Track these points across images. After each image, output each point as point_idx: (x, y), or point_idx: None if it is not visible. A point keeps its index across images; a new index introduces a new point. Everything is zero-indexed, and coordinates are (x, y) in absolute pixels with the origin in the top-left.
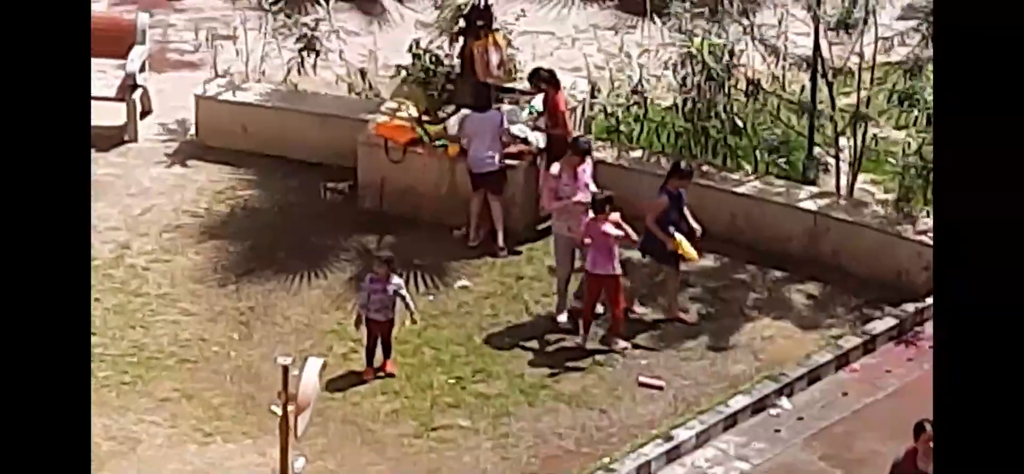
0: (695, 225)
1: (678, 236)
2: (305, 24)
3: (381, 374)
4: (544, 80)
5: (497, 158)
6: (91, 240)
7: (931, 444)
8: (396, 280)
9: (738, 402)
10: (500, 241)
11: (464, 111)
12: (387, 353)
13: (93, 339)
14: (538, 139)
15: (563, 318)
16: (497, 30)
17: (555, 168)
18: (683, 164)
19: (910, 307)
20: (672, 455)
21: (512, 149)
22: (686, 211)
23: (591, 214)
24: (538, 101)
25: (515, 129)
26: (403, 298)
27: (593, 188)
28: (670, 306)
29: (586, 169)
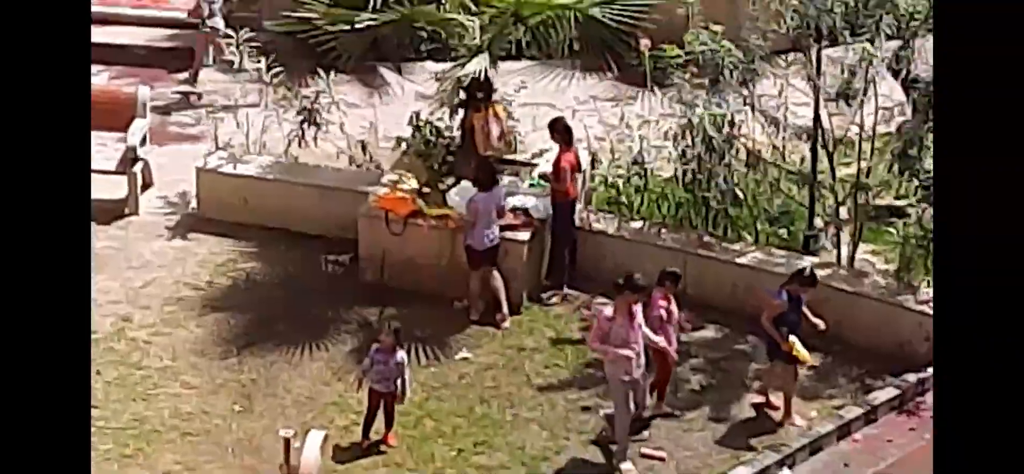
0: (818, 322)
1: (793, 339)
2: (305, 96)
3: (383, 446)
4: (559, 132)
5: (497, 234)
6: (92, 312)
7: None
8: (400, 354)
9: (740, 473)
10: (505, 310)
11: (466, 185)
12: (389, 424)
13: (95, 412)
14: (541, 208)
15: (628, 466)
16: (497, 102)
17: (608, 310)
18: (807, 271)
19: (912, 377)
20: None
21: (513, 221)
22: (806, 310)
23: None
24: (538, 173)
25: (515, 200)
26: (403, 372)
27: (647, 331)
28: (787, 409)
29: (639, 310)
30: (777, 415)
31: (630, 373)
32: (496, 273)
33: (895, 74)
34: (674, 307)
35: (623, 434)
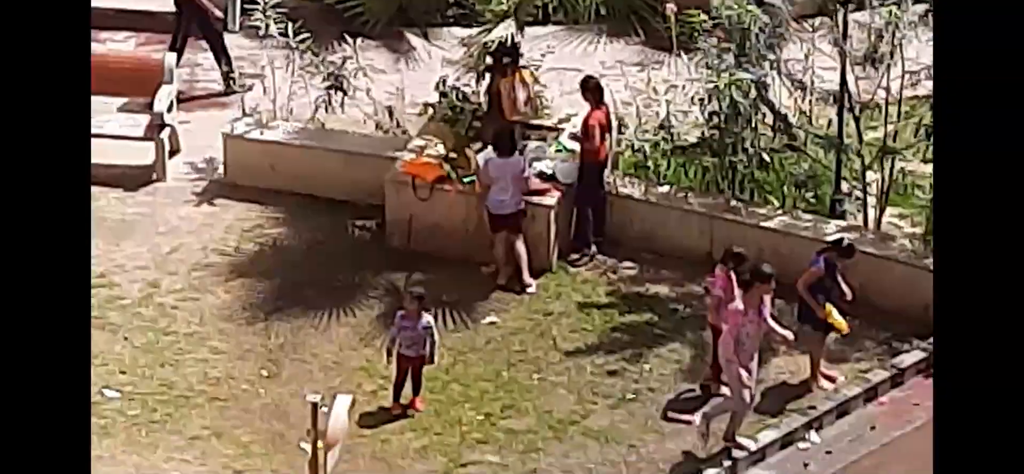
0: (847, 290)
1: (829, 306)
2: (332, 63)
3: (411, 411)
4: (591, 90)
5: (515, 201)
6: (119, 278)
7: None
8: (426, 318)
9: (767, 436)
10: (527, 278)
11: (488, 153)
12: (416, 390)
13: (122, 377)
14: (567, 173)
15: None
16: (524, 67)
17: (739, 303)
18: (845, 242)
19: None
20: None
21: (540, 186)
22: (840, 279)
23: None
24: (565, 138)
25: (541, 166)
26: (432, 337)
27: (773, 324)
28: (813, 372)
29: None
30: (837, 380)
31: (751, 374)
32: (520, 240)
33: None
34: (736, 288)
35: (738, 424)
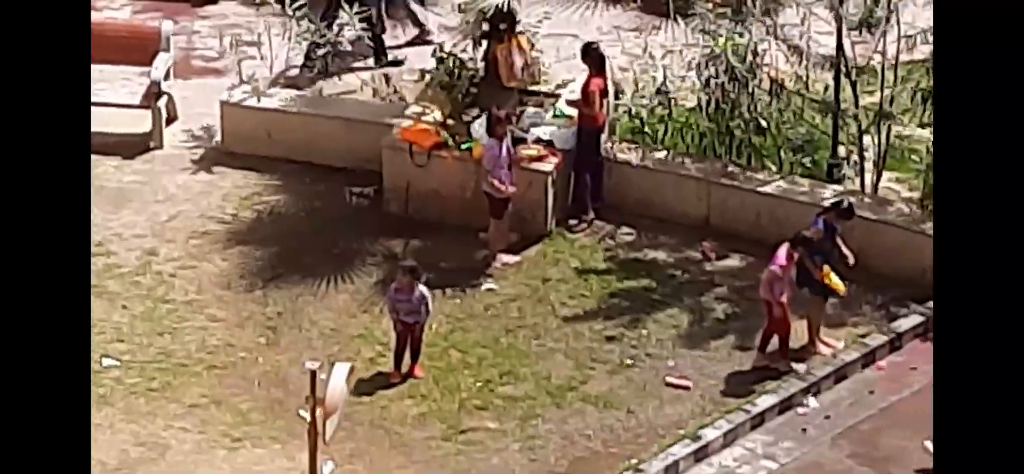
0: (848, 253)
1: (827, 268)
2: (330, 29)
3: (410, 377)
4: (591, 57)
5: (493, 185)
6: (117, 246)
7: None
8: (420, 288)
9: (765, 401)
10: (496, 262)
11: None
12: (415, 357)
13: (121, 346)
14: (565, 139)
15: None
16: (521, 33)
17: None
18: (845, 203)
19: None
20: (700, 455)
21: (537, 151)
22: (840, 241)
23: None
24: (562, 104)
25: (538, 131)
26: (427, 305)
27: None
28: (811, 336)
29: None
30: (836, 346)
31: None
32: (493, 224)
33: None
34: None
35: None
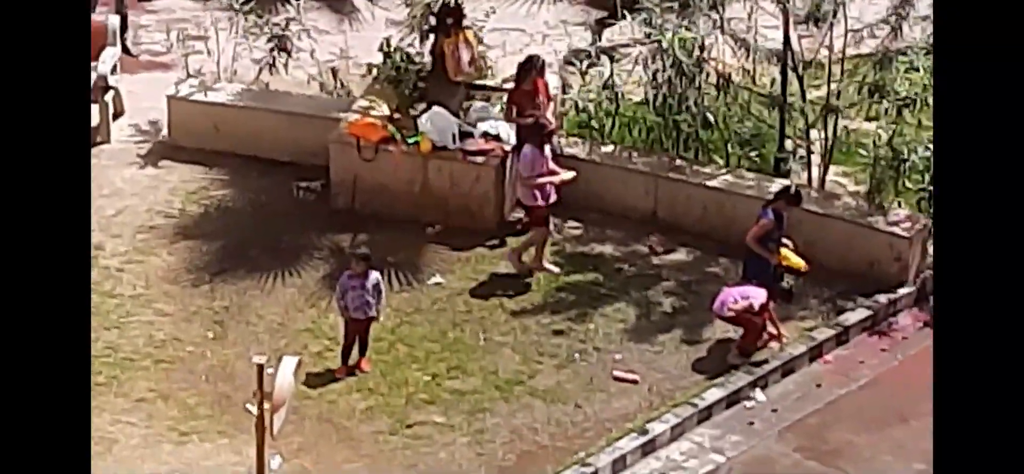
0: (789, 243)
1: (783, 250)
2: (276, 24)
3: (357, 372)
4: (530, 67)
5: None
6: (91, 246)
7: None
8: (374, 276)
9: (712, 395)
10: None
11: (437, 111)
12: (363, 351)
13: None
14: (509, 134)
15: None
16: (467, 27)
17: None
18: (792, 189)
19: (883, 298)
20: (647, 448)
21: (483, 146)
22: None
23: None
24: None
25: (485, 126)
26: (379, 293)
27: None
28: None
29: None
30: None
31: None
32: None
33: None
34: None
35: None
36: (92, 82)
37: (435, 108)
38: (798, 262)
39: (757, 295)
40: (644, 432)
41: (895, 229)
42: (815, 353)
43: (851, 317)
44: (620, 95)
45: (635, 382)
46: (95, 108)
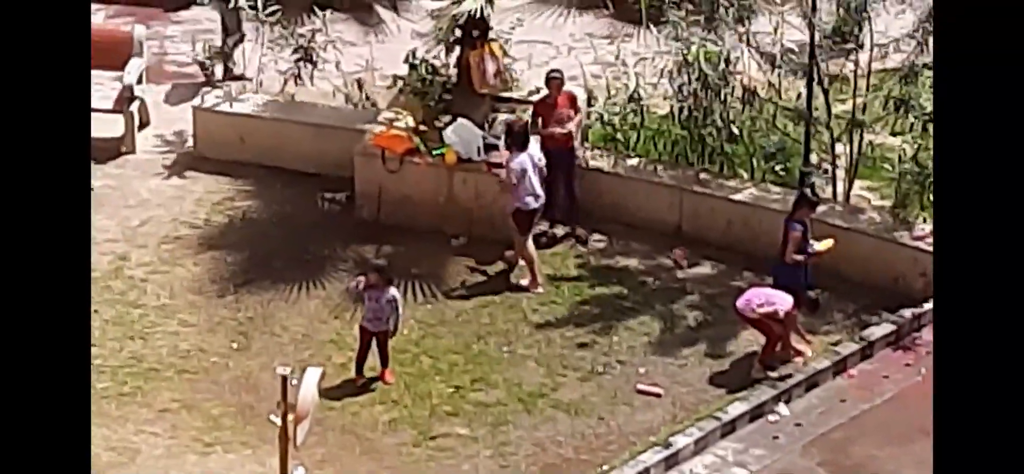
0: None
1: (813, 244)
2: (302, 35)
3: (380, 383)
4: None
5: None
6: (91, 250)
7: None
8: (392, 291)
9: (736, 409)
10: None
11: (462, 123)
12: (384, 362)
13: (92, 350)
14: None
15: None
16: (493, 40)
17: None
18: (810, 192)
19: (907, 313)
20: (670, 462)
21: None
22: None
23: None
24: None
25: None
26: (396, 311)
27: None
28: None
29: None
30: (799, 359)
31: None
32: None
33: None
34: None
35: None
36: (118, 93)
37: (460, 120)
38: (827, 244)
39: (783, 302)
40: (668, 446)
41: (920, 244)
42: (839, 367)
43: (876, 332)
44: (645, 108)
45: (659, 395)
46: (121, 118)
